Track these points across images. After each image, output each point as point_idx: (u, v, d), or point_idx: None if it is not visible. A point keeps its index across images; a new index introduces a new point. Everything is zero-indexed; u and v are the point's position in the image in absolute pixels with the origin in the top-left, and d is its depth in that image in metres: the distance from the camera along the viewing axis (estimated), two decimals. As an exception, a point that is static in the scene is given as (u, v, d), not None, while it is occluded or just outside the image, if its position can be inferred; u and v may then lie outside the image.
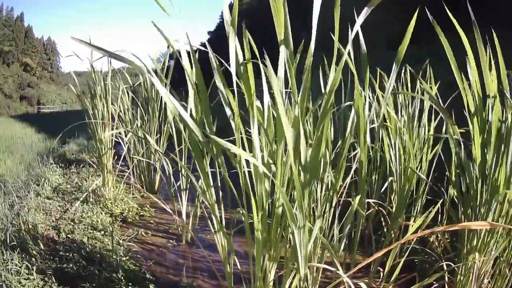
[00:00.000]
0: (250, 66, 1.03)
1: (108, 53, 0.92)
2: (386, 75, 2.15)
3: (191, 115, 1.21)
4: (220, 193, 1.43)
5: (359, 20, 1.02)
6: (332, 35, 1.02)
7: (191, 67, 1.19)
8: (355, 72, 1.26)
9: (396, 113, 2.02)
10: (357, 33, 1.10)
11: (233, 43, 1.00)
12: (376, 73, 2.18)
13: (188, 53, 1.16)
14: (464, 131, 1.47)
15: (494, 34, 1.27)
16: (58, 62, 55.65)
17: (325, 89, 1.10)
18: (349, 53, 1.19)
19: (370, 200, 2.02)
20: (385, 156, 2.18)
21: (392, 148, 1.99)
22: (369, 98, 1.87)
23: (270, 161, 0.99)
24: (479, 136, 1.29)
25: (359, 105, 1.21)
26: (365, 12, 1.01)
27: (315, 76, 1.50)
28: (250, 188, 1.12)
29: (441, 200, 1.63)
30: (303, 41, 1.32)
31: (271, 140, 1.09)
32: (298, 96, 1.01)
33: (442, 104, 1.49)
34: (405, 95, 2.13)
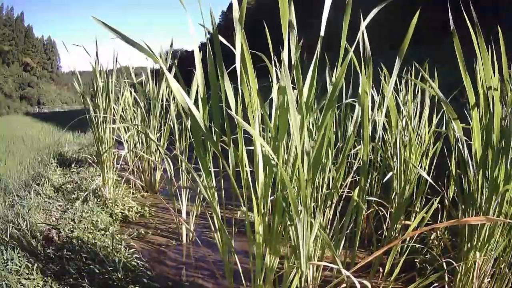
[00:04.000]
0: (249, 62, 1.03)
1: (123, 36, 0.93)
2: (389, 74, 2.15)
3: (197, 107, 1.22)
4: (222, 192, 1.43)
5: (365, 22, 1.04)
6: (335, 36, 1.03)
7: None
8: (359, 71, 1.27)
9: (398, 111, 2.02)
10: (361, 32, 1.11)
11: (239, 37, 1.01)
12: (379, 72, 2.18)
13: (199, 47, 1.19)
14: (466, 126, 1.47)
15: (500, 34, 1.27)
16: (58, 62, 55.69)
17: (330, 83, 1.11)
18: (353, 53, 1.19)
19: (371, 198, 2.02)
20: (385, 155, 2.18)
21: (392, 146, 2.00)
22: (372, 96, 1.88)
23: (273, 154, 0.99)
24: (479, 132, 1.30)
25: (365, 100, 1.21)
26: (373, 13, 1.02)
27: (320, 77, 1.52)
28: (251, 187, 1.12)
29: (442, 198, 1.63)
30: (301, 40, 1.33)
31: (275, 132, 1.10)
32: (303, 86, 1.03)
33: (441, 104, 1.49)
34: (407, 94, 2.13)
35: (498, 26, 1.32)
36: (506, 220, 1.24)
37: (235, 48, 1.04)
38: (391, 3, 1.00)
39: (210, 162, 1.27)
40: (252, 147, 1.13)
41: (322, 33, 1.03)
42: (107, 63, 7.27)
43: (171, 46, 3.74)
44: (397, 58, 1.19)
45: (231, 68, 1.22)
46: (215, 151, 1.16)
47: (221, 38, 1.16)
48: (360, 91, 1.30)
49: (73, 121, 3.27)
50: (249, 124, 0.99)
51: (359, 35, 1.15)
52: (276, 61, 1.42)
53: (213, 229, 1.31)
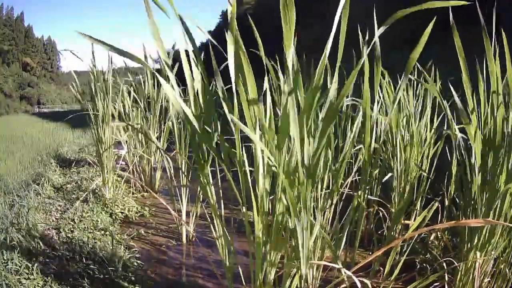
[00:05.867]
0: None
1: (113, 48, 0.92)
2: (389, 75, 2.14)
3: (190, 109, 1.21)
4: (220, 192, 1.43)
5: (376, 36, 1.03)
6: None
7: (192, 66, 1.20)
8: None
9: (399, 111, 2.02)
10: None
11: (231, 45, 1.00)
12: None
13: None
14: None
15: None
16: (58, 62, 55.68)
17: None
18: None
19: (371, 197, 2.01)
20: (386, 155, 2.18)
21: (393, 146, 2.00)
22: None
23: (272, 159, 0.98)
24: (479, 134, 1.29)
25: (366, 107, 1.21)
26: (381, 29, 1.02)
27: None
28: (251, 187, 1.11)
29: (442, 198, 1.63)
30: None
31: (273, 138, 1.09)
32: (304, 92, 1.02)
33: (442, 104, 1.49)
34: (408, 95, 2.13)
35: (500, 27, 1.32)
36: (505, 223, 1.24)
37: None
38: (392, 4, 0.99)
39: (208, 164, 1.27)
40: (250, 144, 1.13)
41: (327, 52, 1.01)
42: (106, 64, 7.27)
43: (172, 48, 3.74)
44: (404, 72, 1.17)
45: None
46: (215, 156, 1.15)
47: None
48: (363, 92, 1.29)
49: (71, 116, 3.28)
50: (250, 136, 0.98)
51: (375, 38, 1.13)
52: (275, 63, 1.42)
53: (212, 229, 1.31)
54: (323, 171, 1.55)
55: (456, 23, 1.24)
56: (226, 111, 1.08)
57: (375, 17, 1.21)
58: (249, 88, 0.98)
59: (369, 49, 1.11)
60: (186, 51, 1.16)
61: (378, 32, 1.03)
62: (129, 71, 4.22)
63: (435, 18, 1.11)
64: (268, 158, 0.96)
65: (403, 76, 1.18)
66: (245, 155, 1.16)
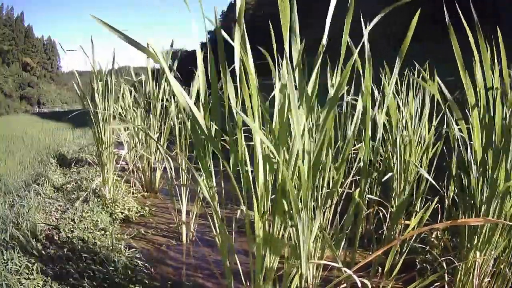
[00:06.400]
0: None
1: (125, 37, 0.93)
2: (390, 74, 2.14)
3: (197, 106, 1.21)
4: (222, 192, 1.43)
5: (368, 27, 1.04)
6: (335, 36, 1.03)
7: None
8: (361, 72, 1.27)
9: (398, 111, 2.02)
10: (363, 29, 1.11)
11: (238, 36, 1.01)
12: (380, 72, 2.18)
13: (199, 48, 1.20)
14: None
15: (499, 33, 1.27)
16: (58, 62, 55.65)
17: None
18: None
19: (371, 196, 2.01)
20: (386, 155, 2.18)
21: (393, 146, 2.00)
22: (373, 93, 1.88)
23: (274, 151, 0.99)
24: (480, 133, 1.30)
25: (367, 101, 1.22)
26: (376, 19, 1.02)
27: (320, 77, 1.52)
28: (252, 187, 1.12)
29: (442, 199, 1.63)
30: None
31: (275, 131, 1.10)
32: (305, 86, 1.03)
33: (442, 103, 1.49)
34: (407, 94, 2.13)
35: (498, 26, 1.32)
36: (504, 221, 1.24)
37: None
38: (391, 3, 1.00)
39: (210, 161, 1.27)
40: (252, 143, 1.13)
41: (324, 41, 1.02)
42: (107, 64, 7.26)
43: (171, 46, 3.75)
44: (397, 59, 1.19)
45: (231, 67, 1.22)
46: (216, 151, 1.15)
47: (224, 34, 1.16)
48: (362, 90, 1.30)
49: (71, 115, 3.28)
50: (249, 124, 0.99)
51: (365, 36, 1.14)
52: (279, 59, 1.42)
53: (213, 229, 1.31)
54: (324, 169, 1.55)
55: (461, 24, 1.24)
56: (231, 100, 1.08)
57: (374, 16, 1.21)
58: (248, 67, 0.99)
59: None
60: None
61: (370, 25, 1.04)
62: (131, 70, 4.22)
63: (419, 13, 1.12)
64: (269, 149, 0.96)
65: (396, 61, 1.20)
66: (246, 155, 1.17)
